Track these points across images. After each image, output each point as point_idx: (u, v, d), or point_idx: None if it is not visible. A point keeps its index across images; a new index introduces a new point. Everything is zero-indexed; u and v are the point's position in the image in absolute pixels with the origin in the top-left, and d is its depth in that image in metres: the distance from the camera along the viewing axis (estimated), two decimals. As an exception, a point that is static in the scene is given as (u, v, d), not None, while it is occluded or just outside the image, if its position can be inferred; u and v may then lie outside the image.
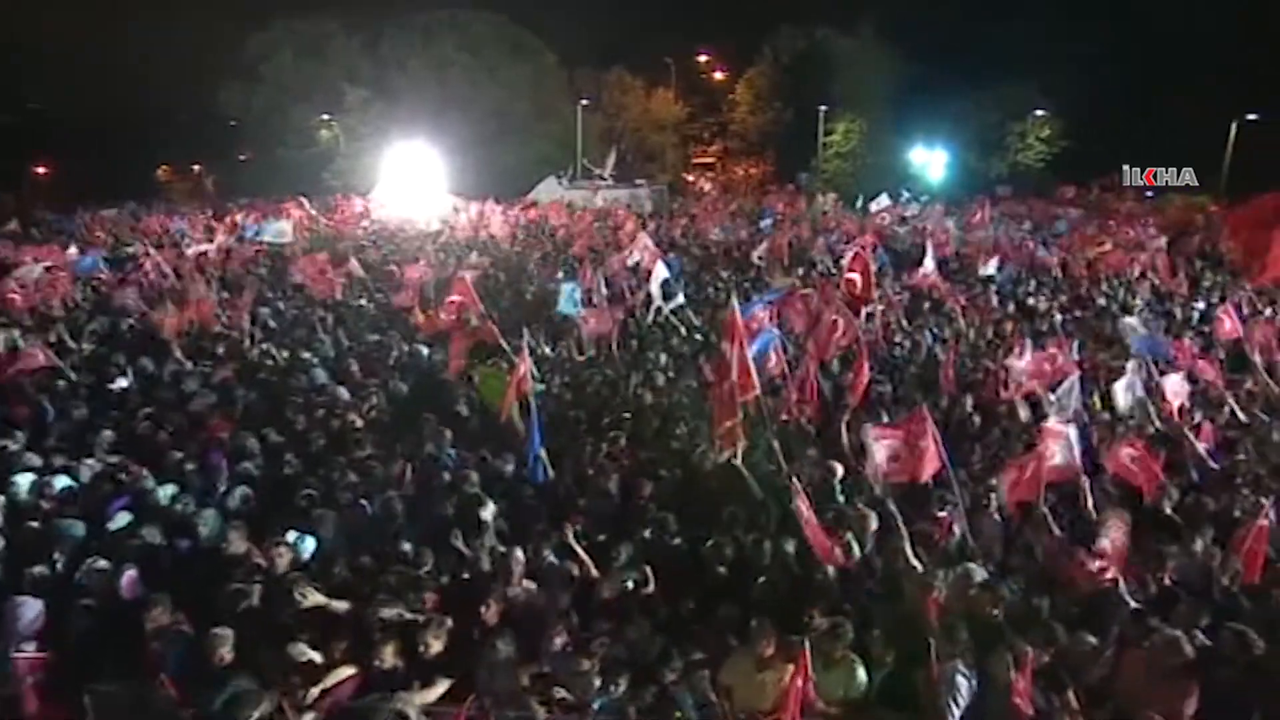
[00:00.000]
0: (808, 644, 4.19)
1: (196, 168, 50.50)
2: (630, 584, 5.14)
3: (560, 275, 14.84)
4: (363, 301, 13.81)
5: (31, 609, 4.97)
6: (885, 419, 7.49)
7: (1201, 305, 14.07)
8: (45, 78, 44.35)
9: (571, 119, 43.91)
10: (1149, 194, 37.66)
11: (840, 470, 6.64)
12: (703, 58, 54.29)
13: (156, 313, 11.24)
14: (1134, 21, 39.28)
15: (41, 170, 46.51)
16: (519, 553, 5.38)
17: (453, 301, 10.37)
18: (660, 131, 49.61)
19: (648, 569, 5.28)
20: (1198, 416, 8.20)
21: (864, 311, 11.26)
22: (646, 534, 5.92)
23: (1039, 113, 45.24)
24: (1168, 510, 6.30)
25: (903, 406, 8.34)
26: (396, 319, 12.37)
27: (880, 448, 6.35)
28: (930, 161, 45.62)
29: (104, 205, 29.84)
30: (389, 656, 4.45)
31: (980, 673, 4.37)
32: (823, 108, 46.38)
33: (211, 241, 19.53)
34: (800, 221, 24.82)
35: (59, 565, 5.54)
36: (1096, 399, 8.77)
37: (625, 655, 4.56)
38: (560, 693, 4.28)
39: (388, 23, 43.49)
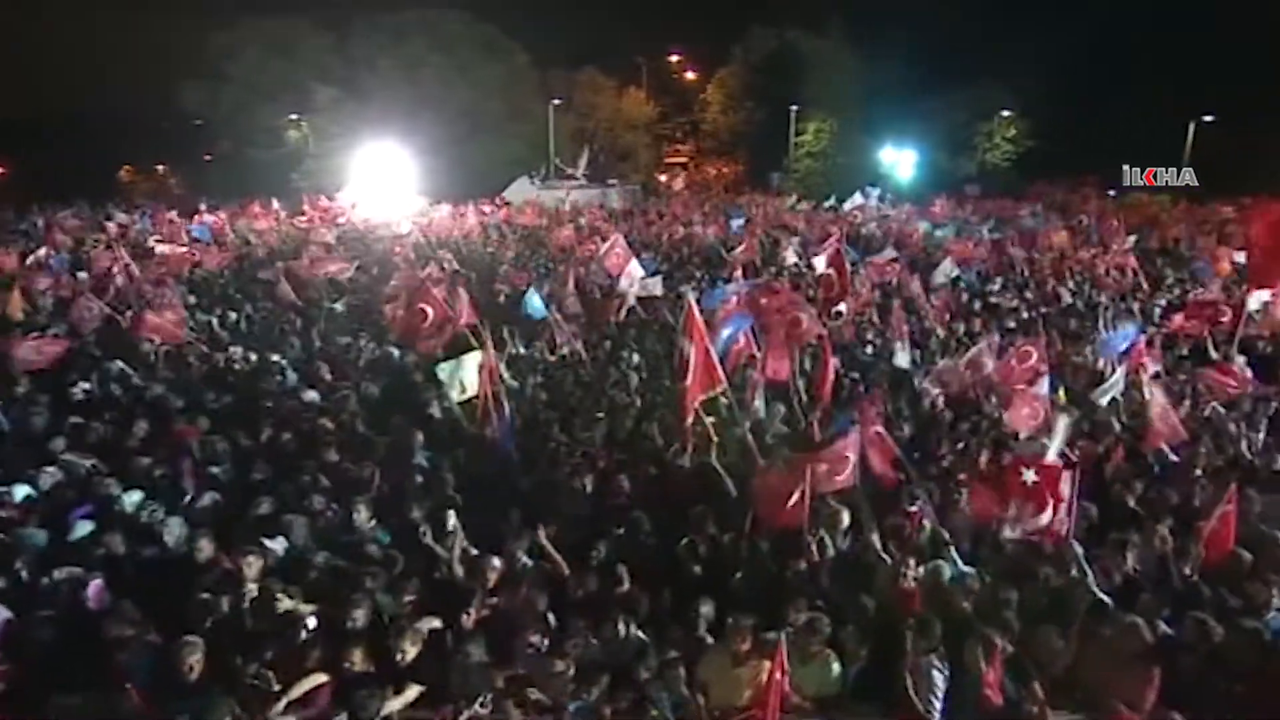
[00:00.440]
0: (785, 640, 4.23)
1: (160, 168, 49.54)
2: (605, 584, 5.14)
3: (532, 276, 14.83)
4: (336, 305, 13.65)
5: (-7, 620, 4.86)
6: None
7: (1163, 302, 14.41)
8: (1, 74, 43.24)
9: (544, 119, 43.76)
10: (1111, 193, 38.46)
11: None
12: (674, 58, 54.53)
13: (122, 317, 11.03)
14: (1099, 23, 40.03)
15: (-2, 170, 45.44)
16: (495, 560, 5.36)
17: (420, 308, 10.25)
18: (632, 131, 49.66)
19: (622, 568, 5.29)
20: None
21: (833, 309, 11.37)
22: (621, 533, 5.93)
23: (1005, 113, 46.03)
24: (1130, 502, 6.45)
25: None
26: (368, 321, 12.26)
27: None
28: (900, 161, 46.18)
29: (62, 206, 29.17)
30: (360, 661, 4.41)
31: (953, 664, 4.44)
32: (794, 108, 46.80)
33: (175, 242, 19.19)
34: (770, 222, 25.01)
35: (22, 575, 5.41)
36: (1061, 394, 8.92)
37: (601, 657, 4.56)
38: (535, 694, 4.27)
39: (358, 21, 42.97)
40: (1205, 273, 16.70)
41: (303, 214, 26.74)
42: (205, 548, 5.52)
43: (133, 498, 6.37)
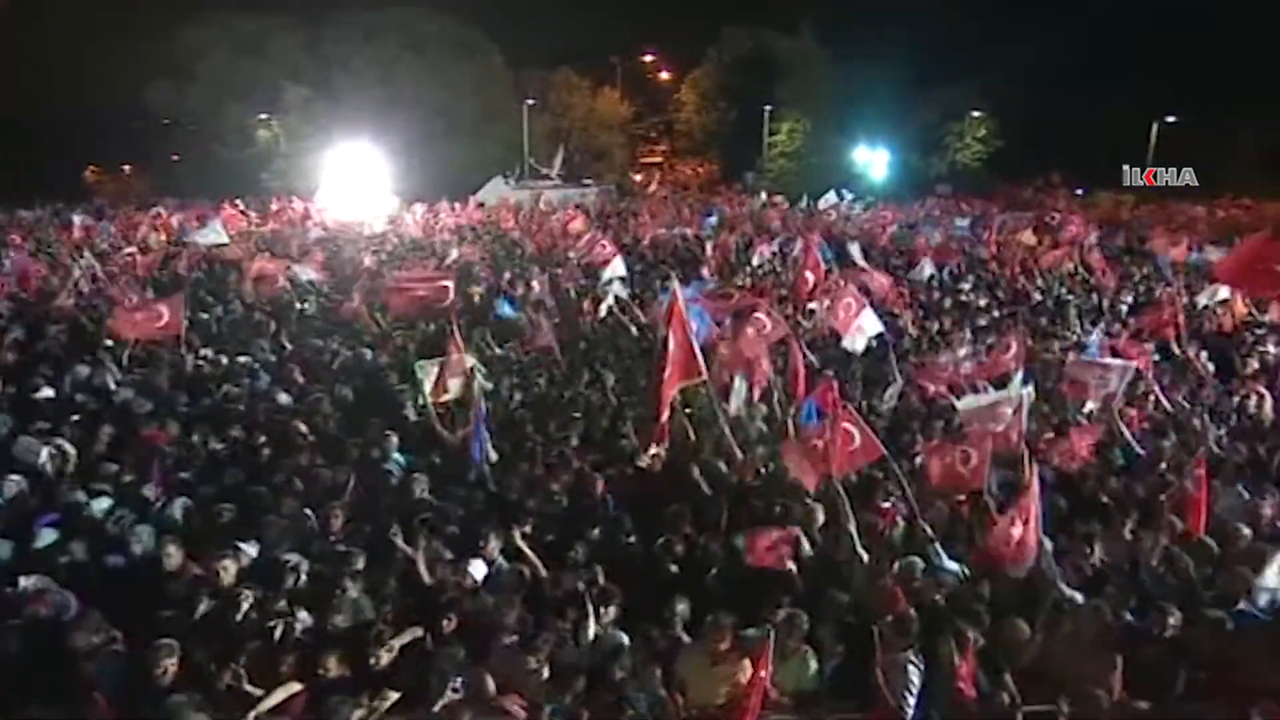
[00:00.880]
0: (771, 637, 4.26)
1: (126, 168, 48.58)
2: (581, 584, 5.14)
3: (506, 276, 14.79)
4: (305, 306, 13.49)
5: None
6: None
7: (1130, 298, 14.68)
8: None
9: (518, 119, 43.57)
10: (1079, 191, 39.19)
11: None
12: (648, 58, 54.58)
13: (87, 320, 10.80)
14: (1067, 23, 40.65)
15: (-46, 170, 44.16)
16: (472, 562, 5.33)
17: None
18: (607, 131, 49.61)
19: (598, 568, 5.29)
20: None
21: (808, 306, 11.47)
22: (597, 533, 5.92)
23: (976, 113, 46.63)
24: (1103, 498, 6.57)
25: (848, 401, 8.49)
26: (340, 323, 12.13)
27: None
28: (873, 161, 46.66)
29: (23, 206, 28.49)
30: (335, 667, 4.37)
31: (927, 658, 4.49)
32: (767, 108, 47.07)
33: (142, 244, 18.82)
34: (745, 221, 25.11)
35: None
36: (1032, 390, 9.05)
37: (576, 658, 4.56)
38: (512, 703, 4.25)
39: (330, 20, 42.42)
40: (1164, 266, 17.16)
41: (272, 214, 26.39)
42: (174, 554, 5.43)
43: (101, 504, 6.25)
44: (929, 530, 5.77)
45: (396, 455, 7.37)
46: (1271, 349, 11.23)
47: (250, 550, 5.63)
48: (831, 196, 30.44)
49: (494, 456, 7.15)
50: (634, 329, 11.93)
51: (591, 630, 4.73)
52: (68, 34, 39.39)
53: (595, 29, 47.81)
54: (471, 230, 24.03)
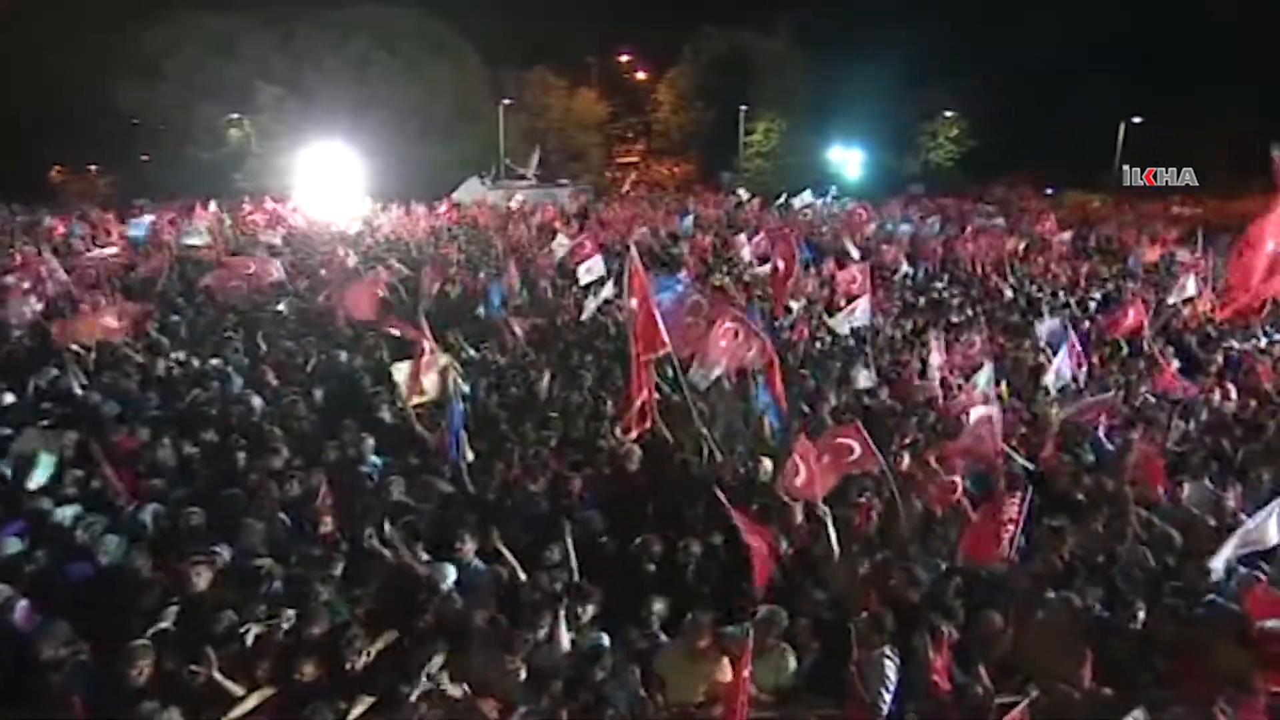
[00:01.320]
0: (750, 635, 4.27)
1: (93, 168, 47.63)
2: (559, 585, 5.13)
3: (482, 275, 14.70)
4: (280, 307, 13.30)
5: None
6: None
7: (1099, 295, 14.94)
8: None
9: (494, 118, 43.37)
10: (1049, 191, 39.79)
11: (770, 466, 6.76)
12: (625, 58, 54.53)
13: (53, 323, 10.58)
14: (1039, 27, 41.25)
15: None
16: (448, 564, 5.30)
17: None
18: (583, 131, 49.59)
19: (575, 567, 5.28)
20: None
21: (784, 305, 11.53)
22: (574, 533, 5.91)
23: (948, 113, 47.19)
24: (1078, 495, 6.66)
25: (823, 400, 8.56)
26: (314, 325, 11.99)
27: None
28: (847, 160, 47.09)
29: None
30: (311, 671, 4.33)
31: (903, 654, 4.54)
32: (743, 108, 47.31)
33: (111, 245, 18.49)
34: (721, 221, 25.21)
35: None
36: (1005, 387, 9.18)
37: (554, 660, 4.55)
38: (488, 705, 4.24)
39: (302, 18, 41.94)
40: (1135, 265, 17.49)
41: (245, 215, 26.01)
42: (143, 562, 5.34)
43: (67, 512, 6.13)
44: (904, 526, 5.82)
45: (373, 457, 7.31)
46: (1235, 345, 11.50)
47: (224, 553, 5.55)
48: (807, 195, 30.62)
49: (470, 456, 7.10)
50: (613, 328, 11.92)
51: (570, 631, 4.72)
52: (30, 30, 38.56)
53: (571, 28, 47.74)
54: (448, 230, 23.90)
